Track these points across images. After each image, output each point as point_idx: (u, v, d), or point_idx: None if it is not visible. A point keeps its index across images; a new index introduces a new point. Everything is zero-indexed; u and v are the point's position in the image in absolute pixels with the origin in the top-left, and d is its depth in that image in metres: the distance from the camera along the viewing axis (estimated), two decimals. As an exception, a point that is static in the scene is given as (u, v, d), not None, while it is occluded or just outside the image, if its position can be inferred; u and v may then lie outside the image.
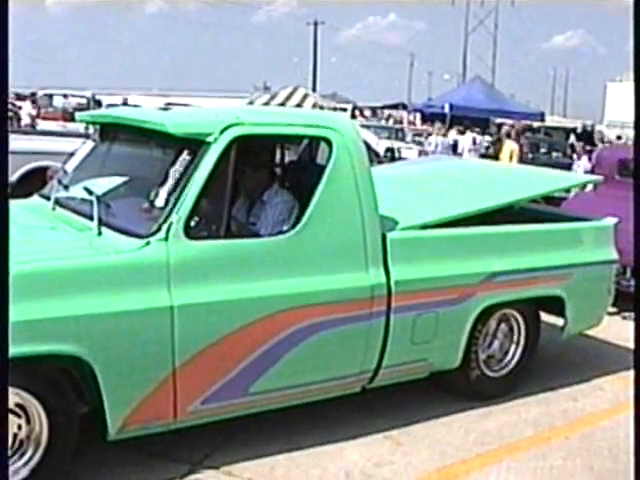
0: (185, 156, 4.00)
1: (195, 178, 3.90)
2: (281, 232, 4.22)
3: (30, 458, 3.69)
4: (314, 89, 42.70)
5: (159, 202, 3.95)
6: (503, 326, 5.32)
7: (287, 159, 4.91)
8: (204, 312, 3.87)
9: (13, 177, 9.23)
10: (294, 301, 4.11)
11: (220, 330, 3.93)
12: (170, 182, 3.96)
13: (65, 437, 3.73)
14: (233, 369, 4.01)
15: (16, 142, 9.59)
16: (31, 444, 3.68)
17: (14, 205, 4.79)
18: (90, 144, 4.91)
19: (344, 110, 31.65)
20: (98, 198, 4.03)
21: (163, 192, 3.95)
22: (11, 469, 3.64)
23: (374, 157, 14.62)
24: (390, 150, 23.18)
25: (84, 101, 27.40)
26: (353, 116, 30.16)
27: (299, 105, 25.56)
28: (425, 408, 5.02)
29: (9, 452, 3.63)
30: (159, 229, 3.81)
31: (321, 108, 25.40)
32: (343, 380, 4.47)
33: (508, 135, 14.30)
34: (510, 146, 13.56)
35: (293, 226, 4.21)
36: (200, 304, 3.85)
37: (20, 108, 26.18)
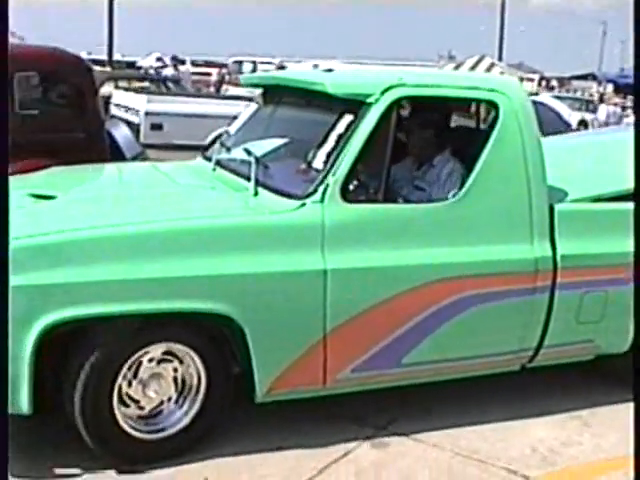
0: (344, 117, 3.89)
1: (354, 140, 3.78)
2: (442, 199, 4.05)
3: (189, 409, 3.75)
4: (500, 58, 41.40)
5: (316, 164, 3.87)
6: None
7: (452, 123, 4.70)
8: (358, 278, 3.77)
9: (207, 140, 9.55)
10: (453, 271, 3.94)
11: (374, 297, 3.81)
12: (328, 143, 3.87)
13: (222, 393, 3.77)
14: (385, 338, 3.89)
15: (207, 107, 9.96)
16: (190, 395, 3.74)
17: (179, 166, 4.90)
18: (253, 106, 4.91)
19: (530, 80, 30.77)
20: (257, 159, 4.00)
21: (321, 154, 3.87)
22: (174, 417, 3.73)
23: (566, 128, 14.11)
24: (583, 122, 22.34)
25: (272, 68, 28.14)
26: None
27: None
28: (613, 391, 4.71)
29: (176, 396, 3.73)
30: (315, 191, 3.73)
31: None
32: (501, 357, 4.24)
33: None
34: None
35: (454, 193, 4.04)
36: (354, 269, 3.74)
37: (209, 75, 27.18)
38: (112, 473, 3.63)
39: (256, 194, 3.89)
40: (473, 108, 4.64)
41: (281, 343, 3.72)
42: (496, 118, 4.06)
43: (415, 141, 4.36)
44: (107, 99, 13.04)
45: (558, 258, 4.14)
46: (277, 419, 4.09)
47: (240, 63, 30.47)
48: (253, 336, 3.61)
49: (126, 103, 12.50)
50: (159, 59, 35.61)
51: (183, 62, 28.66)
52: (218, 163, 4.50)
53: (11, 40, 8.32)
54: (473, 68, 25.73)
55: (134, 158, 7.73)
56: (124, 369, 3.54)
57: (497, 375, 4.38)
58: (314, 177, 3.81)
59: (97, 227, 3.49)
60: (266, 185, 3.93)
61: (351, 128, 3.83)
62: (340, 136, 3.84)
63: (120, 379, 3.54)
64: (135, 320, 3.51)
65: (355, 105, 3.87)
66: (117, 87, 14.75)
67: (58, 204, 3.87)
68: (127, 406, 3.62)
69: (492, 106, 4.11)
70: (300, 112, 4.49)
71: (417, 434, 4.13)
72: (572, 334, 4.37)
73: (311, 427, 4.11)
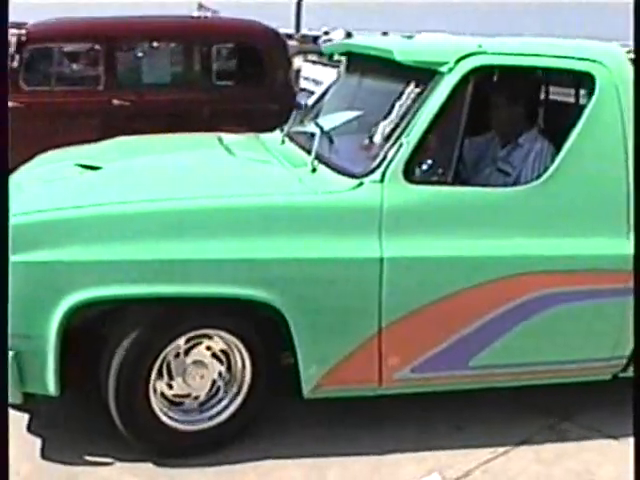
0: (413, 88, 3.49)
1: (422, 114, 3.36)
2: (524, 182, 3.57)
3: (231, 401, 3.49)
4: None
5: (379, 139, 3.48)
6: None
7: (544, 96, 4.13)
8: (419, 268, 3.36)
9: None
10: (531, 265, 3.46)
11: (437, 290, 3.39)
12: (393, 117, 3.48)
13: (267, 385, 3.51)
14: (451, 337, 3.47)
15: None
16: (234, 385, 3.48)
17: (246, 138, 4.61)
18: (334, 76, 4.56)
19: None
20: (322, 133, 3.67)
21: (385, 128, 3.48)
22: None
23: None
24: None
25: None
26: None
27: None
28: None
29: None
30: (375, 169, 3.35)
31: None
32: (588, 364, 3.72)
33: None
34: None
35: (538, 177, 3.55)
36: (415, 258, 3.34)
37: None
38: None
39: (314, 171, 3.55)
40: (567, 80, 4.10)
41: (329, 336, 3.37)
42: (591, 91, 3.53)
43: (498, 117, 3.86)
44: (297, 72, 13.19)
45: (659, 255, 3.58)
46: (460, 402, 3.88)
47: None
48: (297, 327, 3.28)
49: (316, 76, 12.52)
50: (326, 33, 35.84)
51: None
52: (289, 136, 4.19)
53: (205, 14, 8.73)
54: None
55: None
56: (159, 359, 3.31)
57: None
58: (376, 154, 3.42)
59: (126, 203, 3.25)
60: (328, 162, 3.59)
61: (420, 100, 3.41)
62: (407, 109, 3.44)
63: (156, 368, 3.31)
64: (167, 305, 3.26)
65: (426, 75, 3.45)
66: (306, 60, 14.85)
67: (97, 176, 3.65)
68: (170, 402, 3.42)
69: (587, 77, 3.57)
70: (375, 83, 4.08)
71: (602, 428, 3.86)
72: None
73: (490, 412, 3.91)
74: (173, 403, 3.44)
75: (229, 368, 3.47)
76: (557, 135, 3.62)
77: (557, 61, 3.60)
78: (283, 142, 4.16)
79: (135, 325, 3.26)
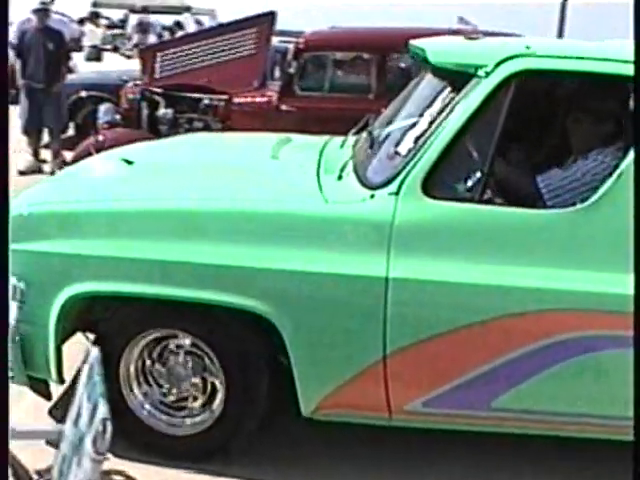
0: (445, 93, 3.16)
1: (450, 121, 3.03)
2: (565, 205, 3.10)
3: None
4: None
5: (402, 148, 3.18)
6: None
7: (598, 107, 3.54)
8: (430, 293, 3.03)
9: None
10: (566, 301, 2.99)
11: (453, 319, 3.04)
12: (422, 125, 3.16)
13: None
14: (468, 373, 3.09)
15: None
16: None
17: (318, 140, 4.39)
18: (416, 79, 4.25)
19: None
20: (369, 139, 3.45)
21: (409, 136, 3.18)
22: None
23: None
24: None
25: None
26: None
27: None
28: None
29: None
30: (391, 180, 3.05)
31: None
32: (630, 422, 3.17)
33: None
34: None
35: (584, 199, 3.06)
36: (427, 282, 3.00)
37: None
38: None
39: (340, 178, 3.32)
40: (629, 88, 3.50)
41: (328, 357, 3.13)
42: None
43: (556, 129, 3.41)
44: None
45: None
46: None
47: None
48: (293, 344, 3.08)
49: None
50: None
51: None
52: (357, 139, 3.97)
53: (466, 27, 8.85)
54: None
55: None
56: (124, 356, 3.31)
57: None
58: (396, 164, 3.13)
59: (126, 200, 3.28)
60: (360, 170, 3.35)
61: (449, 107, 3.07)
62: (435, 116, 3.11)
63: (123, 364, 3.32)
64: (152, 305, 3.20)
65: (461, 78, 3.11)
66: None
67: (123, 172, 3.65)
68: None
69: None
70: (427, 87, 3.72)
71: None
72: None
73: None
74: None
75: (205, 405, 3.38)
76: (614, 150, 3.13)
77: (615, 66, 3.06)
78: (342, 146, 3.93)
79: (122, 320, 3.28)
